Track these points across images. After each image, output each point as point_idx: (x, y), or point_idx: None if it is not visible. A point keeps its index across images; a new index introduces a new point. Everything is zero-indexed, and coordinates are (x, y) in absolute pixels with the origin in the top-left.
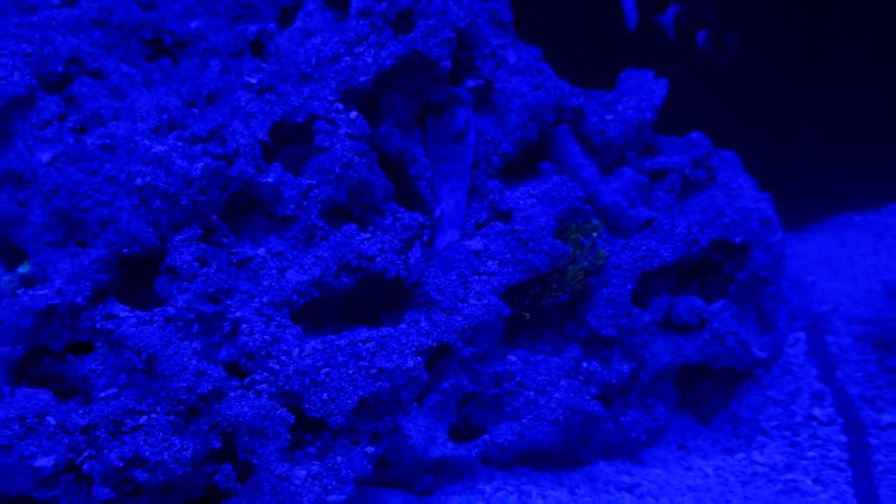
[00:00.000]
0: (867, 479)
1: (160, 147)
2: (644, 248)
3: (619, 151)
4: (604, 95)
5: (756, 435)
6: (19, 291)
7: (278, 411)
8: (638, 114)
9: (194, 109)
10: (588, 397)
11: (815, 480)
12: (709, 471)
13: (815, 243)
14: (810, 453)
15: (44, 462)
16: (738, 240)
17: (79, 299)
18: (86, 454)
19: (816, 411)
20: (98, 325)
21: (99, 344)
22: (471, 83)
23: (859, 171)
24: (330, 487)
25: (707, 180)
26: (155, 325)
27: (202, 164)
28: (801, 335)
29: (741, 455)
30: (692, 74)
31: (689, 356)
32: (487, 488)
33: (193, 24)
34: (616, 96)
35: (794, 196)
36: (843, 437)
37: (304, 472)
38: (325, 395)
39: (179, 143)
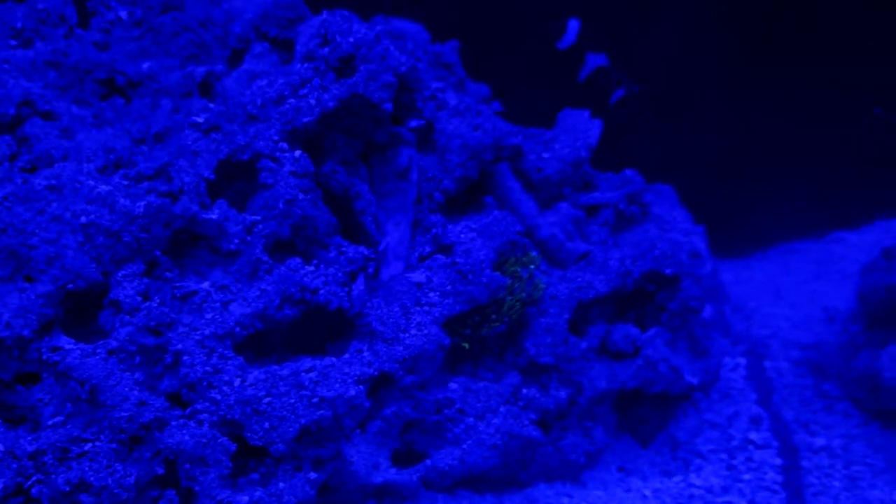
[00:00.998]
0: (800, 500)
1: (104, 187)
2: (580, 279)
3: (557, 187)
4: (543, 134)
5: (693, 458)
6: None
7: (220, 440)
8: (574, 152)
9: (143, 147)
10: (527, 422)
11: (751, 502)
12: (647, 493)
13: (759, 270)
14: (746, 476)
15: None
16: (668, 271)
17: (26, 332)
18: (34, 479)
19: (753, 435)
20: (45, 357)
21: (46, 374)
22: (413, 124)
23: (802, 201)
24: None
25: (641, 215)
26: (98, 356)
27: (145, 202)
28: (742, 360)
29: (679, 478)
30: (635, 109)
31: (624, 382)
32: None
33: (146, 65)
34: (554, 135)
35: (741, 225)
36: (778, 461)
37: (246, 498)
38: (266, 424)
39: (125, 182)
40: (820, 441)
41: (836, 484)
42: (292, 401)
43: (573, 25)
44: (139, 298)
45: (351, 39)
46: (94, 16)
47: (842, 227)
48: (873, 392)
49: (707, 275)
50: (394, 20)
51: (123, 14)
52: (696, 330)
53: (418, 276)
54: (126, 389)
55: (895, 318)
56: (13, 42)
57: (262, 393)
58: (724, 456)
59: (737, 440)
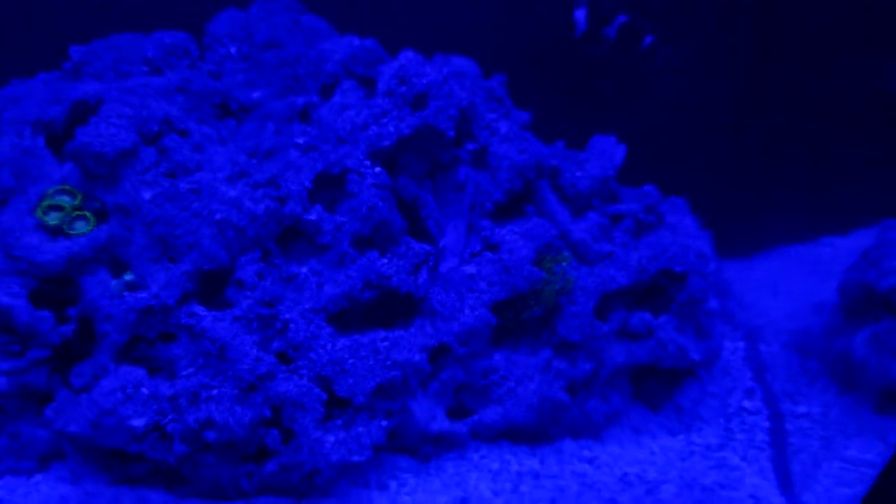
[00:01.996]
0: (783, 456)
1: (233, 192)
2: (605, 274)
3: (587, 200)
4: (576, 155)
5: (695, 421)
6: (125, 294)
7: (315, 391)
8: (602, 171)
9: (254, 161)
10: (557, 388)
11: (743, 458)
12: (655, 448)
13: (759, 269)
14: (739, 436)
15: (137, 423)
16: (678, 269)
17: (170, 301)
18: (170, 417)
19: (746, 403)
20: (183, 321)
21: (182, 335)
22: (470, 147)
23: (798, 209)
24: (353, 450)
25: (657, 223)
26: (225, 322)
27: (264, 205)
28: (741, 344)
29: (682, 437)
30: (655, 127)
31: (640, 358)
32: (475, 456)
33: (255, 94)
34: (586, 156)
35: (744, 230)
36: (766, 424)
37: (332, 438)
38: (350, 381)
39: (247, 189)
40: (802, 409)
41: (815, 443)
42: (370, 363)
43: (580, 14)
44: (256, 278)
45: (424, 81)
46: (208, 50)
47: (832, 232)
48: (847, 368)
49: (711, 272)
50: (452, 57)
51: (233, 50)
52: (701, 318)
53: (470, 269)
54: (247, 348)
55: (867, 309)
56: (145, 68)
57: (347, 356)
58: (721, 420)
59: (733, 408)
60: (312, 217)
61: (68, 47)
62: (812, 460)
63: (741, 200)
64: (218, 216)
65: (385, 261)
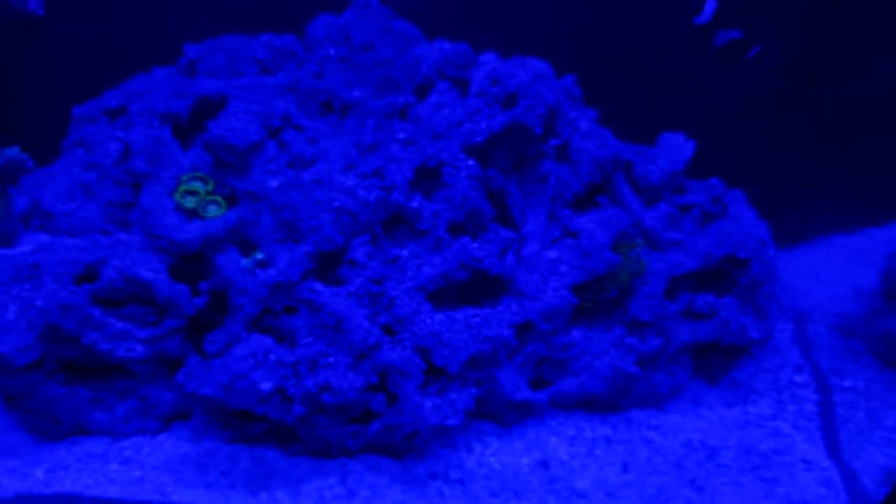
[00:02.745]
0: (831, 425)
1: (349, 182)
2: (674, 259)
3: (658, 191)
4: (647, 150)
5: (750, 394)
6: (257, 270)
7: (416, 360)
8: (672, 165)
9: (357, 153)
10: (629, 362)
11: (794, 427)
12: (714, 418)
13: (805, 258)
14: (790, 407)
15: (266, 386)
16: (741, 255)
17: (294, 277)
18: (291, 381)
19: (797, 378)
20: (304, 296)
21: (303, 308)
22: (554, 142)
23: (839, 202)
24: (447, 414)
25: (721, 213)
26: (341, 297)
27: (376, 194)
28: (789, 325)
29: (738, 408)
30: (717, 126)
31: (703, 336)
32: (553, 423)
33: (355, 93)
34: (657, 152)
35: (789, 221)
36: (814, 396)
37: (430, 403)
38: (446, 352)
39: (358, 179)
40: (847, 383)
41: (860, 414)
42: (464, 336)
43: (710, 5)
44: (367, 259)
45: (515, 82)
46: (309, 51)
47: (871, 224)
48: (889, 346)
49: (771, 258)
50: (528, 59)
51: (332, 52)
52: (760, 300)
53: (552, 254)
54: (359, 321)
55: None
56: (255, 68)
57: (444, 329)
58: (773, 393)
59: (783, 382)
60: (414, 205)
61: (183, 45)
62: (857, 429)
63: (786, 194)
64: (336, 203)
65: (476, 245)
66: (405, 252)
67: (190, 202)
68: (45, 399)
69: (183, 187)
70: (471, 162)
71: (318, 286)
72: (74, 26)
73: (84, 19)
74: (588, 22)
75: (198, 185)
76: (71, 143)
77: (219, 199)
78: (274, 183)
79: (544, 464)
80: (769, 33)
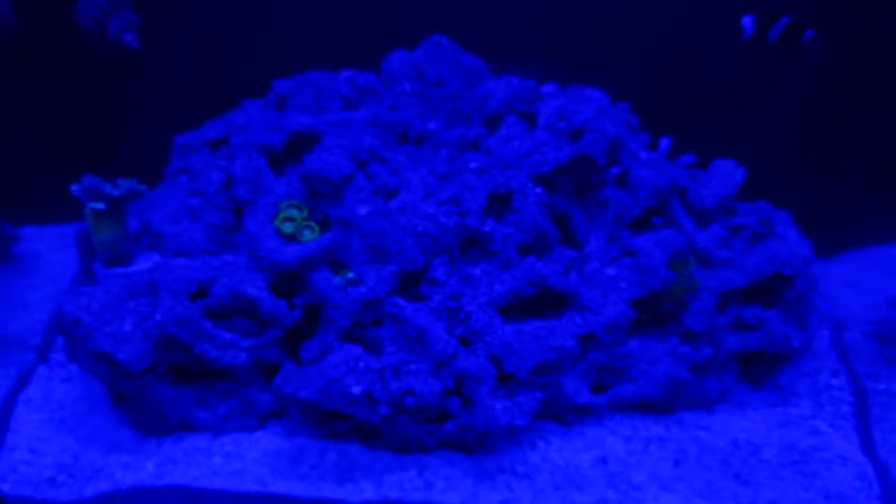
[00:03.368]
0: (865, 425)
1: (430, 209)
2: (725, 276)
3: (710, 214)
4: (701, 175)
5: (790, 396)
6: (348, 288)
7: (489, 367)
8: (724, 190)
9: (433, 181)
10: (682, 369)
11: (831, 426)
12: (757, 418)
13: (841, 268)
14: (828, 408)
15: (356, 390)
16: (787, 272)
17: (381, 294)
18: (378, 386)
19: (833, 381)
20: (389, 310)
21: (388, 321)
22: (614, 170)
23: (873, 215)
24: (516, 416)
25: (768, 233)
26: (423, 312)
27: (454, 220)
28: (826, 333)
29: (780, 409)
30: (763, 141)
31: (750, 345)
32: (611, 423)
33: (430, 125)
34: (709, 177)
35: (826, 233)
36: (850, 399)
37: (500, 405)
38: (515, 360)
39: (437, 206)
40: (882, 386)
41: (893, 413)
42: (531, 347)
43: (747, 21)
44: (445, 277)
45: (581, 117)
46: (386, 86)
47: None
48: None
49: (812, 275)
50: (585, 89)
51: (407, 87)
52: (802, 312)
53: (611, 272)
54: (438, 333)
55: None
56: (339, 103)
57: (514, 340)
58: (812, 395)
59: (821, 385)
60: (487, 228)
61: (273, 82)
62: (891, 427)
63: (822, 208)
64: (420, 228)
65: (542, 264)
66: (478, 271)
67: (288, 227)
68: (155, 399)
69: (282, 214)
70: (538, 189)
71: (402, 302)
72: (166, 59)
73: (174, 53)
74: (640, 45)
75: (294, 212)
76: (174, 170)
77: (312, 224)
78: (363, 210)
79: (603, 460)
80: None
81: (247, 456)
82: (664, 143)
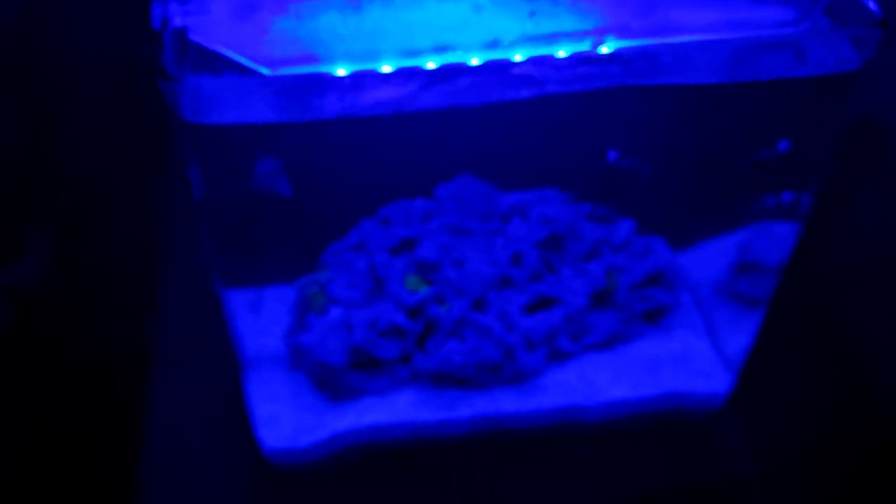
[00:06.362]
0: (711, 335)
1: (483, 268)
2: (630, 277)
3: (621, 247)
4: (614, 226)
5: (671, 329)
6: (447, 312)
7: (520, 341)
8: (627, 234)
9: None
10: (616, 324)
11: (694, 337)
12: (656, 340)
13: (695, 254)
14: (691, 331)
15: (457, 360)
16: (661, 269)
17: (464, 313)
18: (467, 357)
19: (693, 318)
20: (469, 320)
21: (469, 326)
22: (571, 244)
23: (714, 215)
24: (536, 363)
25: (649, 251)
26: (486, 317)
27: (495, 271)
28: (688, 294)
29: (666, 333)
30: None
31: (647, 307)
32: (584, 357)
33: (472, 225)
34: (618, 227)
35: (687, 231)
36: (702, 325)
37: (528, 358)
38: (533, 334)
39: (486, 266)
40: (718, 315)
41: (724, 329)
42: (540, 327)
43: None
44: (494, 299)
45: (553, 213)
46: (440, 204)
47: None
48: (736, 296)
49: (677, 266)
50: (545, 189)
51: (453, 206)
52: (673, 286)
53: (576, 283)
54: (495, 327)
55: None
56: (418, 218)
57: (531, 325)
58: (682, 327)
59: (687, 320)
60: (511, 273)
61: (379, 208)
62: (721, 335)
63: (681, 216)
64: (479, 278)
65: (540, 285)
66: (510, 293)
67: (411, 285)
68: (343, 383)
69: (408, 279)
70: (535, 252)
71: (475, 315)
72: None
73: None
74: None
75: (413, 279)
76: (331, 263)
77: (423, 282)
78: (450, 274)
79: (580, 376)
80: None
81: (398, 403)
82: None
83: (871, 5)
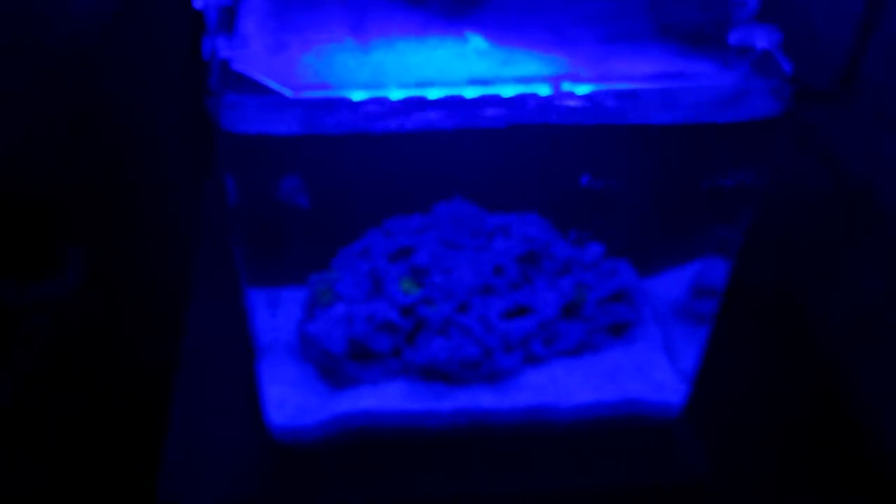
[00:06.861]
0: (668, 349)
1: (469, 276)
2: (596, 293)
3: (591, 265)
4: (585, 249)
5: (633, 341)
6: (435, 312)
7: (498, 342)
8: (597, 256)
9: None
10: (584, 334)
11: (652, 350)
12: (617, 352)
13: (660, 280)
14: (651, 343)
15: (443, 356)
16: (625, 288)
17: (450, 314)
18: (451, 353)
19: (652, 331)
20: (454, 320)
21: (454, 326)
22: (545, 261)
23: (678, 246)
24: (512, 363)
25: (615, 272)
26: (468, 319)
27: (480, 280)
28: (649, 311)
29: (628, 346)
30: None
31: (612, 321)
32: (554, 363)
33: (463, 240)
34: (587, 250)
35: (653, 260)
36: (661, 339)
37: (505, 359)
38: (510, 338)
39: (472, 275)
40: (675, 330)
41: (679, 342)
42: (516, 331)
43: None
44: (477, 304)
45: (531, 233)
46: (437, 220)
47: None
48: (692, 313)
49: (640, 287)
50: (526, 215)
51: (448, 223)
52: (636, 303)
53: (549, 295)
54: (476, 328)
55: None
56: (415, 231)
57: (509, 329)
58: (642, 340)
59: (647, 334)
60: (493, 282)
61: (384, 220)
62: (677, 350)
63: (650, 248)
64: (464, 284)
65: (517, 294)
66: (491, 299)
67: (405, 287)
68: (342, 370)
69: (402, 282)
70: (514, 265)
71: (460, 316)
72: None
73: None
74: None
75: (406, 282)
76: (340, 266)
77: (416, 285)
78: (438, 279)
79: (552, 379)
80: None
81: (388, 391)
82: (595, 247)
83: (784, 64)
